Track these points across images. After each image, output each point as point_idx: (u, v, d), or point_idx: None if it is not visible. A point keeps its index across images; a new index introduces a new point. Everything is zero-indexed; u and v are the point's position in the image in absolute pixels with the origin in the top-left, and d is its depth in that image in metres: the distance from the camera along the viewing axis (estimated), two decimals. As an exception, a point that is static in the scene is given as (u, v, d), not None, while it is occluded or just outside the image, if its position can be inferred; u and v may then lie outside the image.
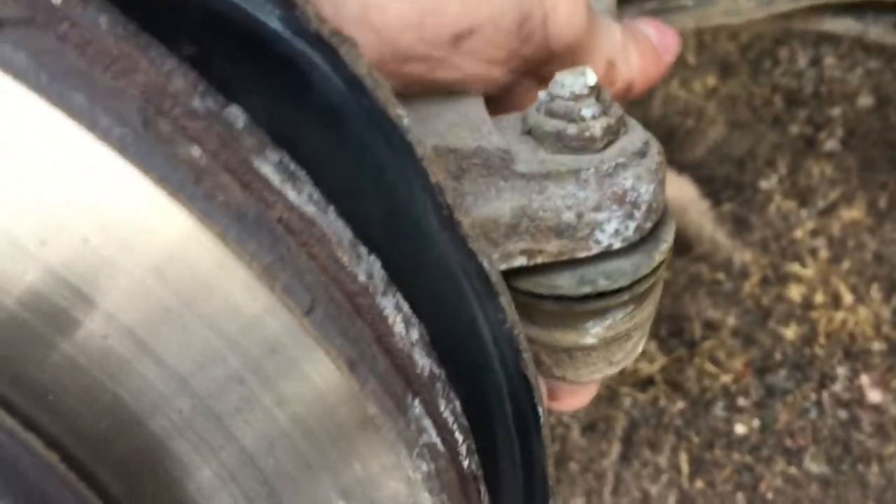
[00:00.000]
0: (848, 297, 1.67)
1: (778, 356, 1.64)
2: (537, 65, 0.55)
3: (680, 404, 1.62)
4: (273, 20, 0.33)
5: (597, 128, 0.47)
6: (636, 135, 0.49)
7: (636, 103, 2.15)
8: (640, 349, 0.56)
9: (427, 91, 0.52)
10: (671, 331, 1.71)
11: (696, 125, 2.11)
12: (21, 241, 0.28)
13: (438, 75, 0.51)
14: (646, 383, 1.65)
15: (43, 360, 0.32)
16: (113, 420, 0.33)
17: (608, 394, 1.64)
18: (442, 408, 0.35)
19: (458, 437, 0.36)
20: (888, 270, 1.71)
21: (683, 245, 1.84)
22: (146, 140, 0.27)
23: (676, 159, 2.02)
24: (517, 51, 0.52)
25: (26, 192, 0.27)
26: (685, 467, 1.53)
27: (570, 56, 0.55)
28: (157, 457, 0.34)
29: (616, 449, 1.58)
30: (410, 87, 0.51)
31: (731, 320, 1.70)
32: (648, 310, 0.53)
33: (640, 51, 0.60)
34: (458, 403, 0.37)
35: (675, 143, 2.07)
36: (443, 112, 0.49)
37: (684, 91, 2.18)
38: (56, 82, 0.27)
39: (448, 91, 0.52)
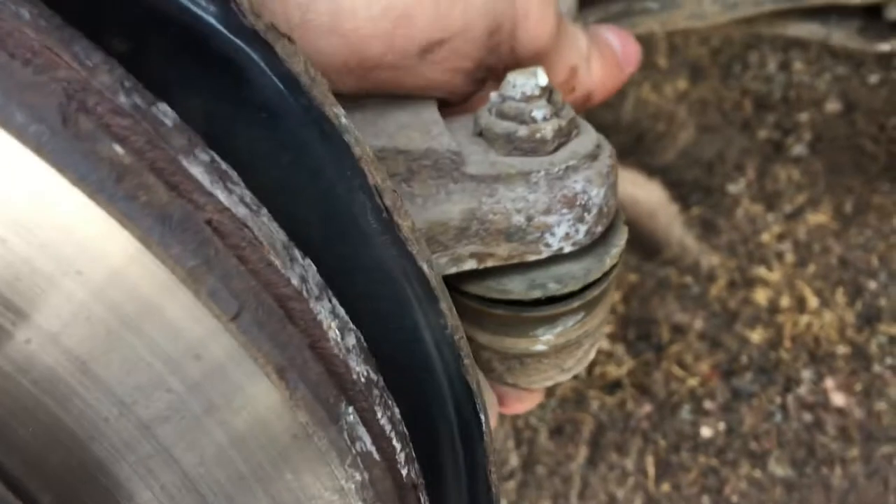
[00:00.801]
0: (813, 301, 1.68)
1: (744, 359, 1.65)
2: (501, 72, 0.54)
3: (647, 407, 1.62)
4: (208, 15, 0.32)
5: (548, 130, 0.46)
6: (588, 137, 0.48)
7: (607, 107, 2.15)
8: (591, 356, 0.56)
9: (387, 95, 0.51)
10: (639, 334, 1.71)
11: (666, 129, 2.12)
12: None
13: (404, 82, 0.50)
14: (613, 386, 1.66)
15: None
16: (40, 429, 0.32)
17: (576, 397, 1.65)
18: (379, 415, 0.34)
19: (396, 444, 0.35)
20: (853, 275, 1.72)
21: (652, 249, 1.84)
22: (64, 137, 0.26)
23: (647, 163, 2.03)
24: (484, 60, 0.52)
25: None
26: (651, 470, 1.54)
27: (535, 62, 0.55)
28: (84, 465, 0.33)
29: (583, 452, 1.58)
30: (372, 92, 0.51)
31: (699, 324, 1.70)
32: (599, 317, 0.53)
33: (603, 60, 0.59)
34: (396, 410, 0.36)
35: (645, 147, 2.08)
36: (393, 112, 0.48)
37: (655, 95, 2.19)
38: (-30, 77, 0.26)
39: (408, 96, 0.52)
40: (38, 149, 0.26)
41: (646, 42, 2.30)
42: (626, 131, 2.14)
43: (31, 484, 0.34)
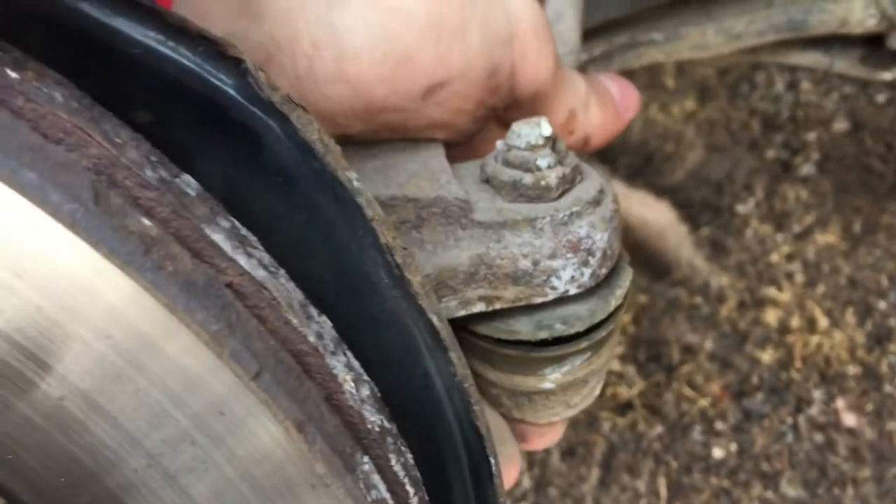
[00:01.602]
0: (823, 321, 1.69)
1: (755, 380, 1.65)
2: (502, 111, 0.56)
3: (658, 428, 1.63)
4: (227, 87, 0.34)
5: (552, 177, 0.48)
6: (591, 183, 0.50)
7: (615, 128, 2.16)
8: (597, 393, 0.58)
9: (394, 137, 0.53)
10: (650, 355, 1.72)
11: (674, 149, 2.13)
12: (-25, 310, 0.29)
13: (408, 123, 0.52)
14: (625, 407, 1.66)
15: (1, 420, 0.33)
16: (70, 477, 0.34)
17: (587, 419, 1.65)
18: (393, 462, 0.36)
19: (410, 489, 0.37)
20: (862, 294, 1.73)
21: (662, 269, 1.85)
22: (96, 214, 0.28)
23: (655, 183, 2.05)
24: (485, 100, 0.53)
25: (-21, 264, 0.28)
26: (663, 492, 1.54)
27: (534, 103, 0.57)
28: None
29: (595, 474, 1.59)
30: (379, 133, 0.53)
31: (709, 344, 1.71)
32: (605, 356, 0.54)
33: (602, 105, 0.61)
34: (409, 456, 0.38)
35: (653, 168, 2.10)
36: (403, 162, 0.50)
37: (663, 115, 2.21)
38: (8, 159, 0.28)
39: (414, 138, 0.54)
40: (73, 226, 0.27)
41: (653, 64, 2.32)
42: (635, 152, 2.15)
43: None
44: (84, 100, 0.30)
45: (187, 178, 0.32)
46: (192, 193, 0.31)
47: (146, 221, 0.29)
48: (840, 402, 1.60)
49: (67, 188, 0.28)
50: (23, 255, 0.28)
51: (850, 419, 1.57)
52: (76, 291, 0.29)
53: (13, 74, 0.30)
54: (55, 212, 0.27)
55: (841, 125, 2.07)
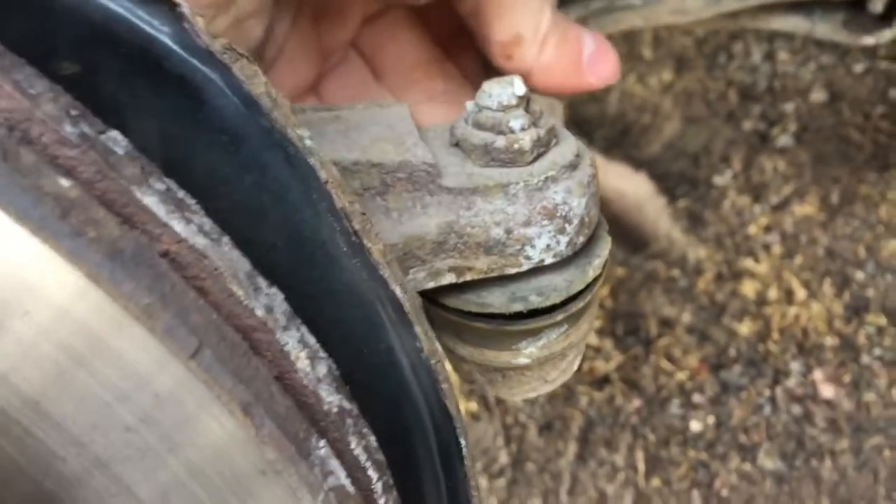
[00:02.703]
0: (801, 293, 1.68)
1: (732, 352, 1.64)
2: None
3: (636, 402, 1.61)
4: (162, 35, 0.31)
5: (526, 140, 0.45)
6: (567, 146, 0.47)
7: (593, 100, 2.14)
8: (575, 367, 0.55)
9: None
10: (627, 329, 1.70)
11: (652, 121, 2.11)
12: None
13: None
14: (602, 381, 1.65)
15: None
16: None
17: (565, 393, 1.64)
18: (353, 445, 0.33)
19: (372, 474, 0.34)
20: (840, 265, 1.72)
21: (640, 242, 1.83)
22: (4, 173, 0.24)
23: (633, 155, 2.02)
24: None
25: None
26: (641, 465, 1.53)
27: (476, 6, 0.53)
28: (42, 506, 0.31)
29: (572, 448, 1.57)
30: None
31: (687, 317, 1.70)
32: (583, 329, 0.52)
33: (561, 50, 0.57)
34: (372, 439, 0.35)
35: (631, 140, 2.07)
36: (367, 124, 0.47)
37: (640, 87, 2.18)
38: None
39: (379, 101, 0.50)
40: (-23, 186, 0.24)
41: (630, 33, 2.29)
42: (612, 124, 2.12)
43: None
44: (-6, 46, 0.27)
45: (115, 134, 0.28)
46: (120, 152, 0.28)
47: (64, 182, 0.26)
48: (818, 374, 1.59)
49: (-29, 143, 0.24)
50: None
51: (827, 391, 1.57)
52: (-14, 262, 0.26)
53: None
54: (-44, 170, 0.24)
55: (818, 95, 2.05)
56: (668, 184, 1.93)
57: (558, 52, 0.57)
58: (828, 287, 1.69)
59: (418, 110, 0.57)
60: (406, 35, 0.62)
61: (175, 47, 0.30)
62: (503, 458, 1.58)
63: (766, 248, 1.77)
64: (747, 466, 1.51)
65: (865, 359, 1.59)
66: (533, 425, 1.62)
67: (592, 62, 0.58)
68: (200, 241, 0.29)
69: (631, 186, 1.96)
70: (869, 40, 0.99)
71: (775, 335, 1.64)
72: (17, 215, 0.24)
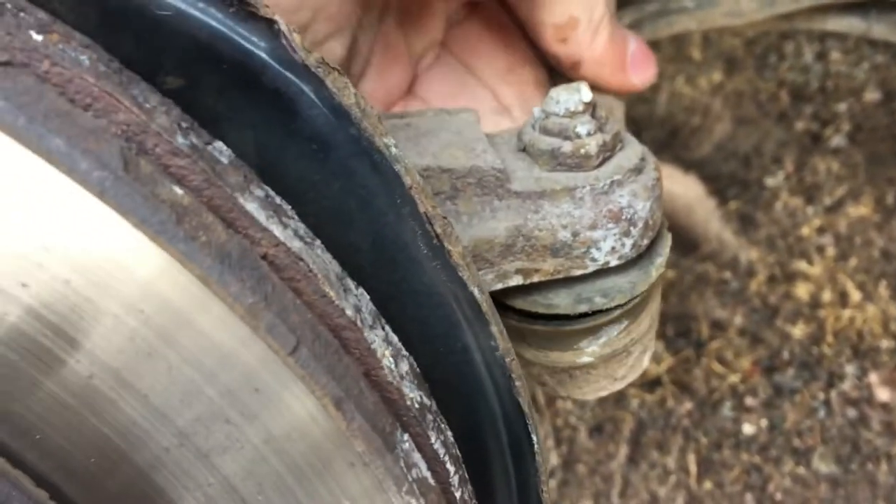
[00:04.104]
0: (855, 295, 1.66)
1: (786, 355, 1.63)
2: None
3: (687, 405, 1.61)
4: (260, 50, 0.33)
5: (592, 145, 0.46)
6: (632, 150, 0.48)
7: (641, 101, 2.14)
8: (645, 363, 0.56)
9: None
10: (678, 331, 1.70)
11: (701, 122, 2.10)
12: (1, 283, 0.28)
13: None
14: (653, 384, 1.64)
15: (29, 399, 0.31)
16: (100, 457, 0.33)
17: (615, 395, 1.64)
18: (433, 440, 0.35)
19: (450, 468, 0.35)
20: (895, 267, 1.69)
21: (690, 244, 1.83)
22: (126, 182, 0.27)
23: (682, 157, 2.01)
24: None
25: (5, 235, 0.27)
26: (693, 468, 1.53)
27: None
28: (145, 494, 0.33)
29: (624, 451, 1.57)
30: None
31: (739, 319, 1.69)
32: (645, 323, 0.53)
33: (610, 45, 0.59)
34: (449, 434, 0.36)
35: (680, 141, 2.06)
36: (437, 131, 0.49)
37: (689, 88, 2.17)
38: (34, 125, 0.26)
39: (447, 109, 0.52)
40: (102, 194, 0.26)
41: (679, 35, 2.28)
42: (661, 125, 2.12)
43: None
44: (112, 64, 0.29)
45: (219, 144, 0.30)
46: (225, 161, 0.30)
47: (178, 190, 0.28)
48: (873, 377, 1.57)
49: (96, 155, 0.26)
50: (50, 226, 0.27)
51: (883, 394, 1.55)
52: (105, 264, 0.28)
53: (38, 37, 0.28)
54: (83, 180, 0.26)
55: (872, 95, 2.02)
56: (718, 185, 1.92)
57: (608, 46, 0.58)
58: (883, 289, 1.67)
59: (512, 111, 0.59)
60: (496, 36, 0.63)
61: (272, 62, 0.32)
62: (554, 459, 1.59)
63: (820, 250, 1.75)
64: (801, 470, 1.50)
65: (922, 362, 1.57)
66: (583, 427, 1.62)
67: (635, 62, 0.60)
68: (296, 245, 0.31)
69: (680, 188, 1.95)
70: (927, 41, 0.98)
71: (829, 338, 1.63)
72: (136, 221, 0.26)
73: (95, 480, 0.33)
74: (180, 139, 0.29)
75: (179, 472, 0.33)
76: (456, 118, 0.50)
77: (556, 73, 0.61)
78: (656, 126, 2.11)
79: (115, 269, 0.28)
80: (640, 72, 0.61)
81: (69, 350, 0.30)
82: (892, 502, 1.43)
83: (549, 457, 1.59)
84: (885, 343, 1.60)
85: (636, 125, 2.17)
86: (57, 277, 0.28)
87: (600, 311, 0.50)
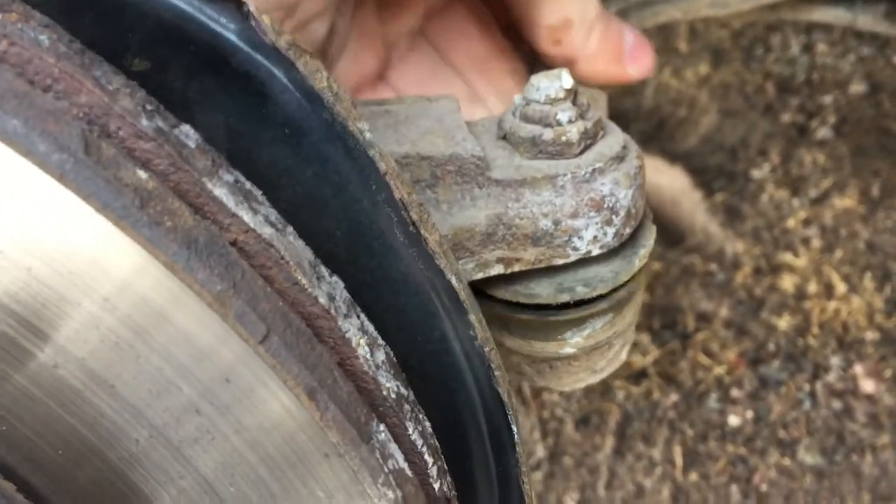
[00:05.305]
0: (841, 287, 1.66)
1: (771, 347, 1.63)
2: None
3: (673, 397, 1.61)
4: (229, 32, 0.32)
5: (573, 132, 0.46)
6: (614, 138, 0.48)
7: (628, 94, 2.13)
8: (624, 356, 0.55)
9: None
10: (664, 323, 1.70)
11: (688, 114, 2.10)
12: (-39, 272, 0.27)
13: None
14: (639, 376, 1.64)
15: (-6, 390, 0.31)
16: (70, 450, 0.32)
17: (601, 387, 1.64)
18: (410, 430, 0.34)
19: (428, 459, 0.35)
20: (881, 259, 1.70)
21: (676, 236, 1.83)
22: (87, 165, 0.26)
23: (668, 149, 2.01)
24: None
25: (-38, 221, 0.26)
26: (679, 460, 1.53)
27: None
28: (116, 487, 0.32)
29: (610, 442, 1.57)
30: None
31: (724, 311, 1.69)
32: (629, 317, 0.52)
33: (605, 41, 0.58)
34: (427, 424, 0.36)
35: (666, 133, 2.06)
36: (416, 118, 0.48)
37: (676, 80, 2.17)
38: (-9, 106, 0.25)
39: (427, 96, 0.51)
40: (62, 178, 0.25)
41: (665, 26, 2.27)
42: (647, 117, 2.12)
43: (57, 501, 0.34)
44: (73, 44, 0.28)
45: (186, 128, 0.29)
46: (192, 145, 0.29)
47: (142, 174, 0.27)
48: (858, 368, 1.58)
49: (56, 137, 0.26)
50: (8, 212, 0.26)
51: (868, 385, 1.55)
52: (67, 250, 0.27)
53: (-5, 17, 0.27)
54: (42, 163, 0.25)
55: (858, 87, 2.03)
56: (704, 177, 1.92)
57: (603, 41, 0.58)
58: (868, 281, 1.67)
59: (487, 101, 0.58)
60: (474, 27, 0.63)
61: (241, 44, 0.31)
62: (540, 451, 1.59)
63: (806, 241, 1.75)
64: (787, 461, 1.50)
65: (907, 353, 1.57)
66: (569, 419, 1.62)
67: (632, 55, 0.60)
68: (267, 231, 0.30)
69: (666, 180, 1.95)
70: (912, 31, 0.98)
71: (815, 329, 1.63)
72: (99, 205, 0.26)
73: (64, 472, 0.33)
74: (145, 122, 0.28)
75: (151, 466, 0.32)
76: (436, 105, 0.50)
77: (536, 64, 0.61)
78: (643, 118, 2.11)
79: (77, 257, 0.27)
80: (637, 63, 0.61)
81: (34, 340, 0.29)
82: (877, 493, 1.44)
83: (536, 449, 1.59)
84: (870, 335, 1.61)
85: (623, 117, 2.16)
86: (18, 265, 0.27)
87: (585, 303, 0.49)
